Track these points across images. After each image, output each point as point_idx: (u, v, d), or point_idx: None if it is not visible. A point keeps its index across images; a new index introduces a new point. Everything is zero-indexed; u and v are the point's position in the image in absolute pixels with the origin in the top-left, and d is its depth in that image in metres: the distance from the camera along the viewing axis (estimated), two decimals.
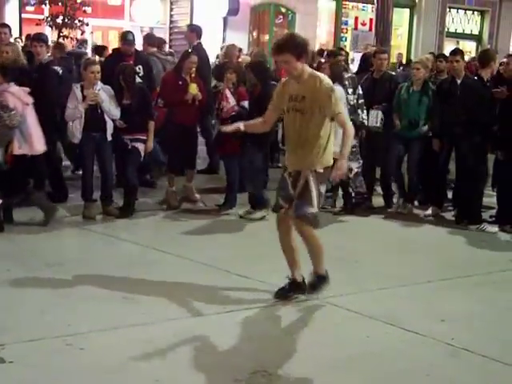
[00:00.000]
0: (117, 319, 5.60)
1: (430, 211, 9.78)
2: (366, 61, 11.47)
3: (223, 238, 8.38)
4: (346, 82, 9.68)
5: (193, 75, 9.55)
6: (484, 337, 5.63)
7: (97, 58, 11.42)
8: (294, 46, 5.78)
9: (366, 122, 9.73)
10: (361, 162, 9.76)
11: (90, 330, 5.36)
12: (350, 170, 9.78)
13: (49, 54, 10.38)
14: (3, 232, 7.96)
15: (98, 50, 12.99)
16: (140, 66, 10.19)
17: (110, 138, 8.89)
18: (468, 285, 6.98)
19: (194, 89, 9.42)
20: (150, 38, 12.08)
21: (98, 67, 8.80)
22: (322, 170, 5.92)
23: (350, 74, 10.08)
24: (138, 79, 9.69)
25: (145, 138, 9.05)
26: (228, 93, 9.29)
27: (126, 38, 10.50)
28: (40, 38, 9.75)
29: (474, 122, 8.94)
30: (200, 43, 11.39)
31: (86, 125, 8.69)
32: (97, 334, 5.31)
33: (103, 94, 8.78)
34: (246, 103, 9.27)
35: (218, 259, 7.27)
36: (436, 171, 9.75)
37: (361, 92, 9.74)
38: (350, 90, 9.68)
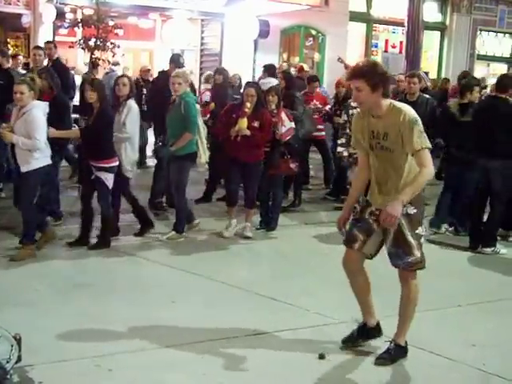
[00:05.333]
0: (145, 340, 5.60)
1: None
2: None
3: (255, 260, 8.38)
4: None
5: (245, 110, 8.87)
6: None
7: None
8: (370, 74, 5.11)
9: None
10: None
11: (117, 351, 5.37)
12: None
13: None
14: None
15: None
16: None
17: (23, 170, 7.77)
18: (498, 309, 6.89)
19: (241, 124, 8.81)
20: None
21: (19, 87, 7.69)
22: (415, 211, 5.20)
23: None
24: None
25: (109, 165, 8.23)
26: (284, 115, 9.22)
27: (178, 61, 10.67)
28: None
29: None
30: (58, 57, 12.05)
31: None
32: (125, 355, 5.31)
33: (20, 122, 7.72)
34: (293, 124, 9.28)
35: (250, 281, 7.28)
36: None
37: None
38: None
